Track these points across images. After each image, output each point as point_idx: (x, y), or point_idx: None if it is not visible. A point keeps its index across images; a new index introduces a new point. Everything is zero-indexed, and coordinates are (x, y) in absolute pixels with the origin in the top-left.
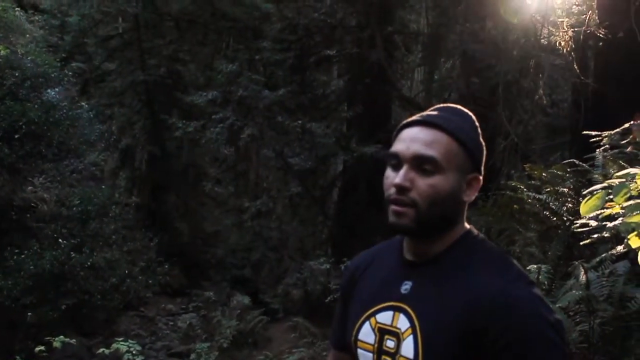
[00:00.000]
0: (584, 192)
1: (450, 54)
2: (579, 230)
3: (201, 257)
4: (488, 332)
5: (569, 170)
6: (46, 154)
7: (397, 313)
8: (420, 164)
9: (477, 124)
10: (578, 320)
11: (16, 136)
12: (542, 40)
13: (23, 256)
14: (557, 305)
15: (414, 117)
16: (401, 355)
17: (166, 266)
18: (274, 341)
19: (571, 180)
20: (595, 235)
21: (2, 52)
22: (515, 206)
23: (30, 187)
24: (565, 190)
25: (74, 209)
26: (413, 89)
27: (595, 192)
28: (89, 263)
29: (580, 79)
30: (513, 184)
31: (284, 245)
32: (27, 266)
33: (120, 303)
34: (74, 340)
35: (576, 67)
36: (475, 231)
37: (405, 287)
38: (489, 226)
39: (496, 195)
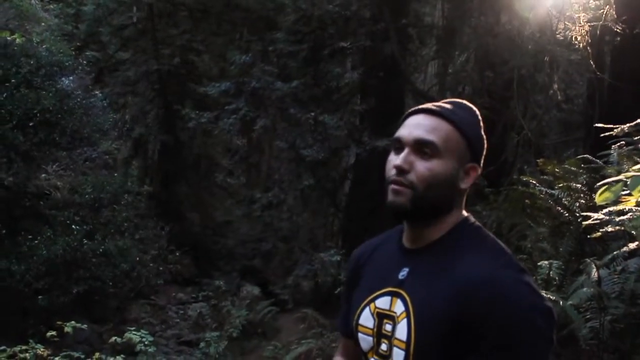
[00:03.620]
0: (599, 184)
1: (464, 47)
2: (590, 223)
3: (212, 247)
4: (474, 317)
5: (582, 166)
6: (60, 142)
7: (394, 298)
8: (420, 147)
9: (480, 119)
10: (588, 316)
11: (30, 124)
12: (558, 35)
13: (36, 242)
14: (568, 302)
15: (419, 107)
16: (396, 338)
17: (177, 255)
18: (283, 332)
19: (584, 176)
20: (605, 229)
21: (17, 40)
22: (527, 201)
23: (43, 175)
24: (578, 186)
25: (87, 196)
26: (427, 82)
27: (610, 184)
28: (100, 250)
29: (596, 75)
30: (525, 179)
31: (294, 236)
32: (40, 252)
33: (131, 291)
34: (86, 326)
35: (592, 63)
36: (472, 219)
37: (403, 273)
38: (500, 221)
39: (508, 190)
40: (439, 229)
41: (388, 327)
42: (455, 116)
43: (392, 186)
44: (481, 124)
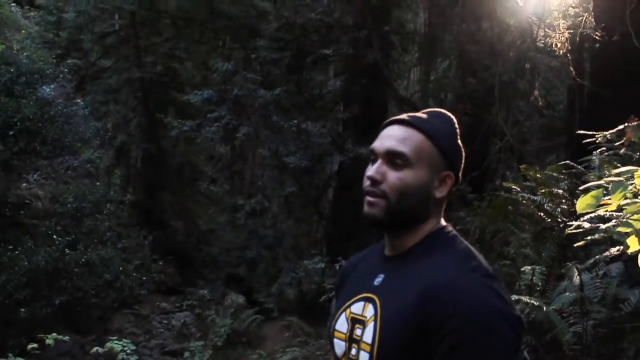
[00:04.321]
0: (580, 190)
1: (446, 54)
2: (574, 231)
3: (196, 255)
4: (435, 319)
5: (564, 171)
6: (41, 151)
7: (367, 303)
8: (392, 158)
9: (456, 127)
10: (572, 321)
11: (11, 133)
12: (538, 42)
13: (17, 252)
14: (551, 307)
15: (394, 117)
16: (363, 341)
17: (160, 264)
18: (268, 340)
19: (566, 182)
20: (589, 237)
21: None
22: (510, 207)
23: (24, 184)
24: (560, 191)
25: (69, 206)
26: (409, 89)
27: (591, 189)
28: (83, 260)
29: (576, 81)
30: (508, 185)
31: (278, 244)
32: (21, 262)
33: (115, 301)
34: (67, 337)
35: (572, 69)
36: (449, 228)
37: (378, 279)
38: (484, 227)
39: (491, 196)
40: (415, 237)
41: (358, 332)
42: (428, 125)
43: (367, 197)
44: (457, 132)
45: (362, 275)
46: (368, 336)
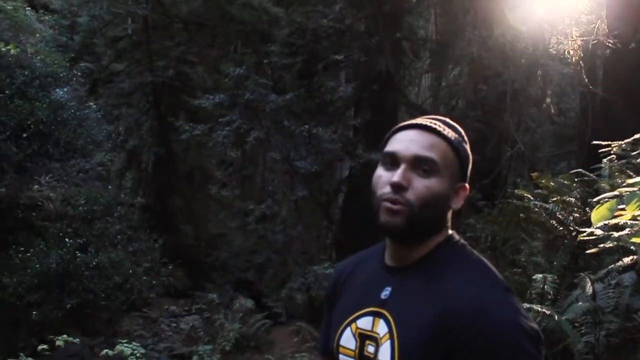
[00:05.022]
0: (594, 201)
1: (458, 60)
2: (587, 239)
3: (205, 259)
4: (461, 337)
5: (576, 180)
6: (53, 153)
7: (377, 318)
8: (419, 164)
9: (465, 137)
10: (584, 331)
11: (24, 135)
12: (551, 49)
13: (29, 254)
14: (563, 317)
15: (409, 122)
16: None
17: (170, 267)
18: (277, 345)
19: (578, 190)
20: (602, 245)
21: (12, 51)
22: (521, 215)
23: (36, 186)
24: (572, 200)
25: (80, 208)
26: (420, 95)
27: (605, 200)
28: (94, 263)
29: (589, 88)
30: (519, 193)
31: (288, 249)
32: (32, 264)
33: (124, 303)
34: (77, 339)
35: (584, 77)
36: (457, 237)
37: (385, 292)
38: (495, 234)
39: (502, 204)
40: (424, 248)
41: (371, 349)
42: (449, 134)
43: (387, 204)
44: (467, 142)
45: (364, 287)
46: (385, 355)
